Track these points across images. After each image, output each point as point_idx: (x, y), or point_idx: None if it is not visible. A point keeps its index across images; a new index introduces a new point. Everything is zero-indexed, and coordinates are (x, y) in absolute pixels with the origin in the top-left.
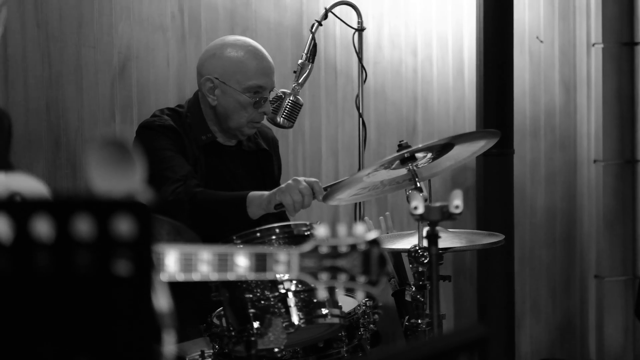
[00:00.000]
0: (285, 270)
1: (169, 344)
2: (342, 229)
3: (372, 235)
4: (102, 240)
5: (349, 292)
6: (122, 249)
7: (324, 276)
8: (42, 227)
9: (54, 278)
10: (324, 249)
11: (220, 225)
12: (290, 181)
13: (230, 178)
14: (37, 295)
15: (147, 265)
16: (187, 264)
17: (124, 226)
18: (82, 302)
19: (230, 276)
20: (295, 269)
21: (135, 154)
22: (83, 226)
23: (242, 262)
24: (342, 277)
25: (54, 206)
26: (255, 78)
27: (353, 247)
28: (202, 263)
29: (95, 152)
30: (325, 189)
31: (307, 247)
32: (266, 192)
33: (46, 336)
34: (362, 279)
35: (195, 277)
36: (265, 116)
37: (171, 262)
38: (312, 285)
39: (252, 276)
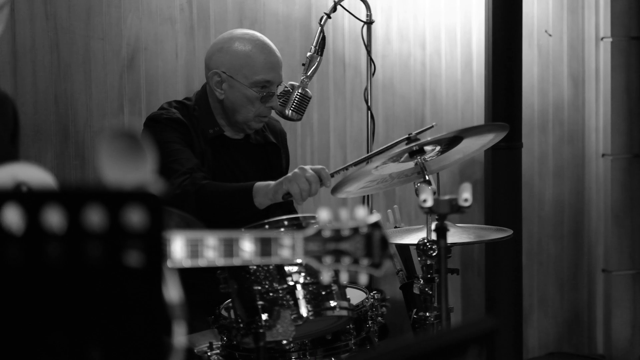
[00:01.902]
0: (290, 254)
1: (180, 335)
2: (344, 213)
3: (374, 218)
4: (113, 231)
5: (352, 282)
6: (133, 240)
7: (327, 259)
8: (54, 218)
9: (65, 269)
10: (327, 233)
11: (227, 216)
12: (296, 170)
13: (237, 171)
14: (48, 286)
15: (158, 256)
16: (193, 250)
17: (135, 217)
18: (93, 293)
19: (236, 261)
20: (300, 253)
21: (145, 145)
22: (94, 217)
23: (247, 247)
24: (346, 260)
25: (66, 197)
26: (263, 73)
27: (355, 230)
28: (208, 249)
29: (106, 143)
30: (332, 175)
31: (310, 231)
32: (272, 182)
33: (57, 327)
34: (365, 261)
35: (202, 262)
36: (271, 110)
37: (177, 248)
38: (317, 268)
39: (257, 260)
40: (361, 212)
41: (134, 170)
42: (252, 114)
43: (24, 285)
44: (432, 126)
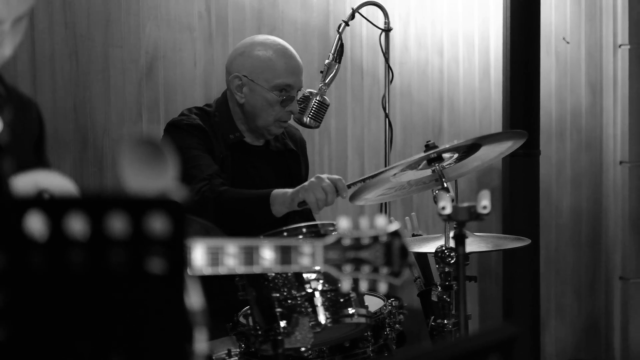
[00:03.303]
0: (310, 262)
1: (201, 342)
2: (363, 222)
3: (394, 227)
4: (136, 238)
5: (372, 290)
6: (156, 247)
7: (347, 268)
8: (77, 225)
9: (88, 275)
10: (347, 241)
11: (245, 223)
12: (313, 179)
13: (257, 177)
14: (71, 293)
15: (181, 263)
16: (214, 257)
17: (157, 224)
18: (116, 300)
19: (256, 269)
20: (320, 261)
21: (167, 152)
22: (117, 224)
23: (267, 255)
24: (365, 268)
25: (89, 204)
26: (284, 76)
27: (375, 238)
28: (228, 257)
29: (128, 150)
30: (348, 186)
31: (330, 239)
32: (290, 190)
33: (80, 333)
34: (384, 270)
35: (222, 270)
36: (291, 115)
37: (198, 256)
38: (337, 277)
39: (277, 268)
40: (381, 220)
41: (156, 177)
42: (272, 118)
43: (48, 292)
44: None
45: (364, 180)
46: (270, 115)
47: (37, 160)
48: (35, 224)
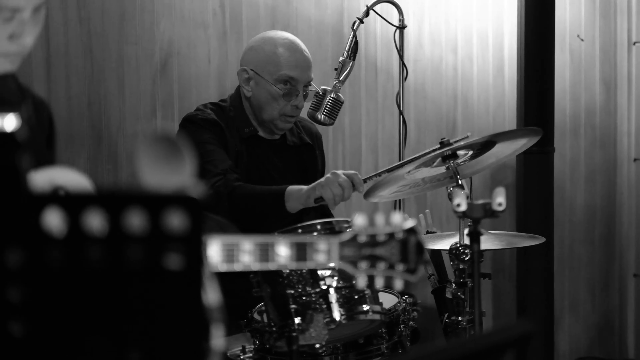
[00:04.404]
0: (325, 259)
1: (218, 338)
2: (379, 218)
3: (410, 224)
4: (154, 234)
5: (388, 287)
6: (174, 243)
7: (363, 265)
8: (95, 221)
9: (106, 272)
10: (362, 238)
11: (259, 219)
12: (329, 175)
13: (273, 171)
14: (89, 289)
15: (198, 260)
16: (229, 254)
17: (175, 220)
18: (134, 296)
19: (272, 266)
20: (335, 258)
21: (184, 148)
22: (135, 220)
23: (282, 252)
24: (381, 265)
25: (107, 200)
26: (286, 69)
27: (391, 235)
28: (244, 253)
29: (145, 146)
30: (364, 180)
31: (346, 236)
32: (305, 187)
33: (98, 330)
34: (400, 267)
35: (237, 267)
36: (297, 110)
37: (213, 252)
38: (352, 273)
39: (292, 265)
40: (397, 217)
41: (173, 173)
42: (277, 112)
43: (66, 288)
44: (467, 136)
45: (379, 174)
46: (275, 109)
47: (50, 159)
48: (53, 220)
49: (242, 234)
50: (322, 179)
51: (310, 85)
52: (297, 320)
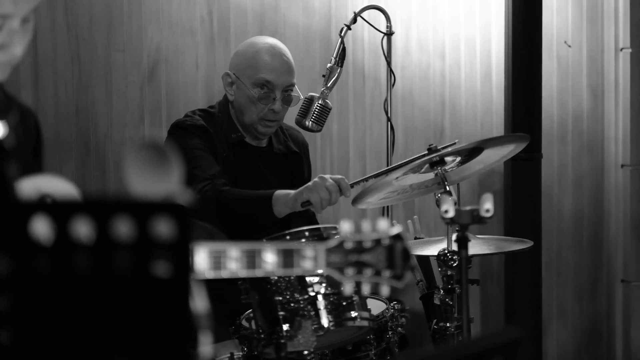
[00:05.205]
0: (312, 265)
1: (205, 345)
2: (366, 225)
3: (396, 230)
4: (141, 241)
5: (374, 293)
6: (161, 251)
7: (350, 271)
8: (82, 229)
9: (93, 279)
10: (349, 245)
11: (247, 223)
12: (316, 179)
13: (259, 178)
14: (76, 296)
15: (186, 267)
16: (217, 261)
17: (163, 228)
18: (121, 303)
19: (259, 273)
20: (322, 264)
21: (172, 156)
22: (122, 228)
23: (269, 259)
24: (368, 271)
25: (94, 208)
26: (264, 73)
27: (377, 242)
28: (231, 260)
29: (132, 154)
30: (351, 185)
31: (332, 242)
32: (292, 191)
33: (85, 337)
34: (387, 273)
35: (225, 274)
36: (276, 114)
37: (201, 259)
38: (339, 280)
39: (279, 272)
40: (383, 223)
41: (161, 181)
42: (256, 116)
43: (54, 296)
44: (455, 143)
45: (367, 179)
46: (254, 113)
47: (37, 167)
48: (41, 228)
49: (229, 241)
50: (310, 183)
51: (291, 90)
52: (285, 327)
